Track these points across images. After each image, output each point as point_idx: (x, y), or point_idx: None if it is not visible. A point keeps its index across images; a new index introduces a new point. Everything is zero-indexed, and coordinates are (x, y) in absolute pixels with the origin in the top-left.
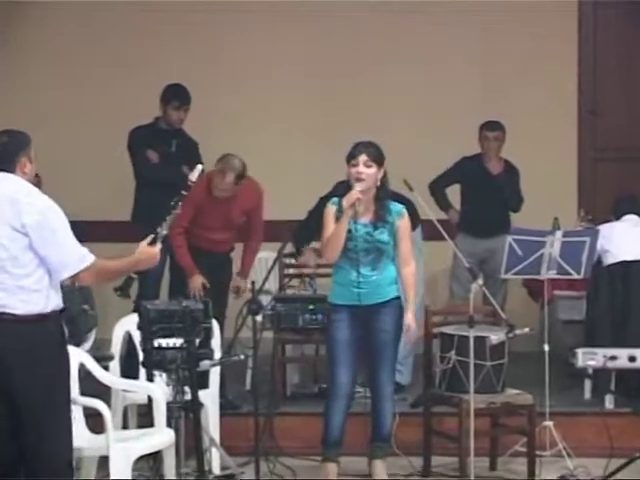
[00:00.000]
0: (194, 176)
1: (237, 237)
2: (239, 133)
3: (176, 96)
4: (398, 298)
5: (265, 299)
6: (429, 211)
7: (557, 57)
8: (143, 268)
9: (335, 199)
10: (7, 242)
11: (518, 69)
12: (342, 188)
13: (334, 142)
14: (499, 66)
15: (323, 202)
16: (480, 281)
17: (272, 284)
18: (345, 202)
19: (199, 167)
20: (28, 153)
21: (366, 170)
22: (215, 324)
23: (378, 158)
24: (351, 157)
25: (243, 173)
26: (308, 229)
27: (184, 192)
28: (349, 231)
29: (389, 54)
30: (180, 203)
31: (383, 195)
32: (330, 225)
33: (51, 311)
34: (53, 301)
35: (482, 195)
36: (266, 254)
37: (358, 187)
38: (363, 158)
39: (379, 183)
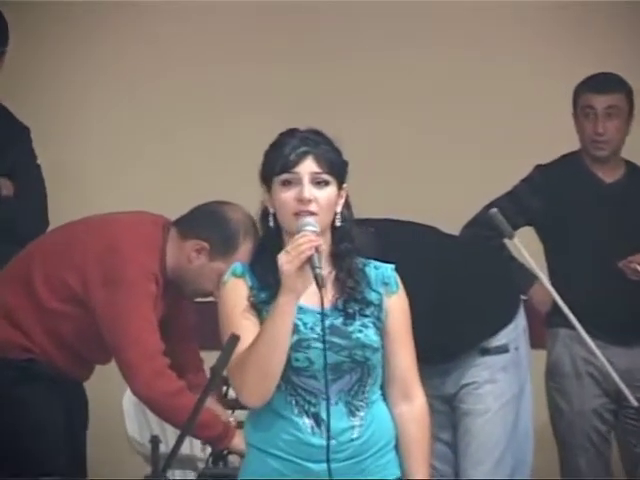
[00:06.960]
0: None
1: None
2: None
3: None
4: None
5: (182, 476)
6: (548, 284)
7: None
8: None
9: (237, 267)
10: None
11: None
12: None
13: None
14: None
15: None
16: None
17: (197, 442)
18: (283, 263)
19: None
20: None
21: (317, 192)
22: None
23: (337, 166)
24: (284, 167)
25: None
26: None
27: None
28: (294, 329)
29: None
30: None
31: (348, 244)
32: (244, 324)
33: None
34: None
35: (597, 243)
36: None
37: (309, 227)
38: (309, 167)
39: (340, 218)
